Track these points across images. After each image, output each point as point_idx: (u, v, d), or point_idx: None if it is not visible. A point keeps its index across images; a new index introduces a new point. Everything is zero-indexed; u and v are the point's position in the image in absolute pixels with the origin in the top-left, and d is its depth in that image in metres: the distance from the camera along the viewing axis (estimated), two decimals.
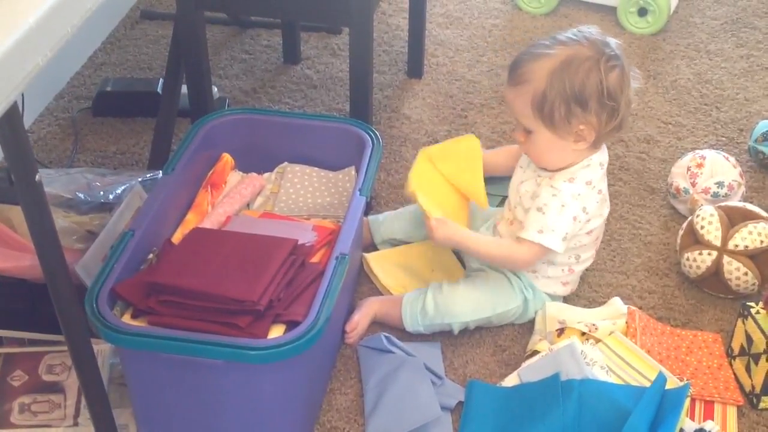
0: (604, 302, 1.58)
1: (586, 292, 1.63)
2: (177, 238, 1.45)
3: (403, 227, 1.68)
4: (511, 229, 1.53)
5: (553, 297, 1.56)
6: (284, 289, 1.27)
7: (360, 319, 1.50)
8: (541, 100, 1.38)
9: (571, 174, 1.44)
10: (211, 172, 1.60)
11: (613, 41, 1.41)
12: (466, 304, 1.49)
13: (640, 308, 1.57)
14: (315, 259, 1.40)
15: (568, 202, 1.42)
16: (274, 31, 2.31)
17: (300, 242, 1.37)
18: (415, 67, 2.19)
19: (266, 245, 1.31)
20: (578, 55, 1.37)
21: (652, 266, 1.70)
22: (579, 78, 1.36)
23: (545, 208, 1.43)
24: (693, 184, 1.75)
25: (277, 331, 1.23)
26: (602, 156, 1.48)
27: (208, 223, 1.49)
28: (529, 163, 1.52)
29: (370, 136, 1.57)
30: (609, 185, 1.87)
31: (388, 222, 1.69)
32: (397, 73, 2.22)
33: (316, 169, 1.63)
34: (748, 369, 1.44)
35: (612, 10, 2.40)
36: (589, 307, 1.58)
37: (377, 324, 1.54)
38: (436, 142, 1.98)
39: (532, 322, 1.55)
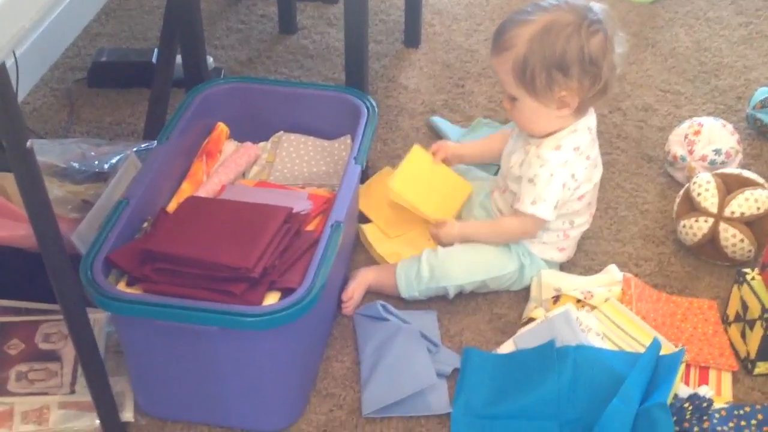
0: (600, 270, 1.58)
1: (582, 259, 1.63)
2: (172, 207, 1.45)
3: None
4: (504, 197, 1.54)
5: (550, 263, 1.56)
6: (279, 256, 1.27)
7: (355, 288, 1.51)
8: (522, 66, 1.37)
9: (558, 141, 1.44)
10: (206, 141, 1.60)
11: (597, 5, 1.40)
12: (462, 266, 1.49)
13: (636, 276, 1.57)
14: (310, 227, 1.40)
15: (557, 171, 1.43)
16: (270, 1, 2.29)
17: (295, 210, 1.36)
18: (412, 36, 2.18)
19: (261, 213, 1.31)
20: (559, 21, 1.36)
21: (649, 234, 1.70)
22: (559, 44, 1.35)
23: (536, 179, 1.43)
24: (690, 152, 1.74)
25: (272, 299, 1.23)
26: (590, 120, 1.47)
27: (203, 192, 1.49)
28: (519, 133, 1.52)
29: (366, 104, 1.56)
30: (606, 153, 1.88)
31: None
32: (393, 43, 2.21)
33: (311, 138, 1.63)
34: (743, 335, 1.44)
35: None
36: (585, 275, 1.57)
37: (373, 293, 1.54)
38: (434, 112, 1.98)
39: (528, 289, 1.55)
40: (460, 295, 1.54)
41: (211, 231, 1.27)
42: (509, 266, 1.52)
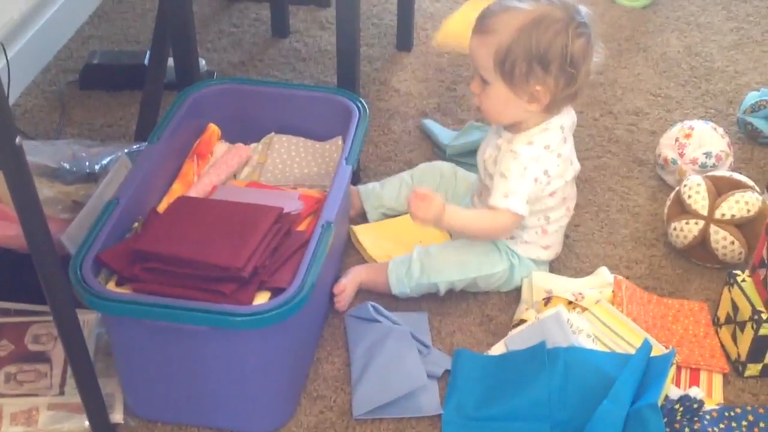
0: (592, 272, 1.58)
1: (574, 262, 1.64)
2: (162, 207, 1.44)
3: (393, 195, 1.67)
4: (482, 198, 1.54)
5: (538, 262, 1.56)
6: (269, 256, 1.26)
7: (347, 283, 1.50)
8: (504, 53, 1.37)
9: (529, 138, 1.44)
10: (197, 142, 1.60)
11: (584, 9, 1.40)
12: (453, 263, 1.49)
13: (627, 278, 1.57)
14: (301, 227, 1.40)
15: (529, 165, 1.42)
16: (263, 5, 2.29)
17: (286, 211, 1.36)
18: (404, 40, 2.18)
19: (251, 213, 1.31)
20: (549, 15, 1.36)
21: (640, 237, 1.70)
22: (546, 38, 1.35)
23: (507, 173, 1.43)
24: (681, 155, 1.74)
25: (262, 298, 1.22)
26: (563, 119, 1.47)
27: (194, 193, 1.49)
28: (492, 131, 1.52)
29: (357, 105, 1.56)
30: (597, 157, 1.89)
31: (378, 190, 1.68)
32: (386, 46, 2.21)
33: (303, 139, 1.63)
34: (734, 337, 1.45)
35: None
36: (576, 277, 1.58)
37: (365, 292, 1.54)
38: (426, 115, 1.98)
39: (519, 291, 1.55)
40: (451, 296, 1.54)
41: (202, 231, 1.27)
42: (499, 265, 1.52)
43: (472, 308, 1.54)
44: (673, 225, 1.62)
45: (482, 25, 1.40)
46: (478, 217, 1.50)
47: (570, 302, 1.47)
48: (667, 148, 1.78)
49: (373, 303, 1.48)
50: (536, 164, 1.43)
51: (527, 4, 1.38)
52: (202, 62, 1.98)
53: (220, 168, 1.57)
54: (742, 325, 1.42)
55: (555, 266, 1.62)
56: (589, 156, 1.89)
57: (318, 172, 1.57)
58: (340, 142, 1.60)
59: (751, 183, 1.61)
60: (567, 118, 1.48)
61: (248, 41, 2.21)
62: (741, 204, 1.56)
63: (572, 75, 1.38)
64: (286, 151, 1.60)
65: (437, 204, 1.42)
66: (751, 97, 1.92)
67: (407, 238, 1.62)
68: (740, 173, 1.70)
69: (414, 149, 1.88)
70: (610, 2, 2.38)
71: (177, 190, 1.49)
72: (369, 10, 2.33)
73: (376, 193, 1.68)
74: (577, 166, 1.54)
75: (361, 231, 1.63)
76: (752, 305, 1.40)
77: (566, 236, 1.69)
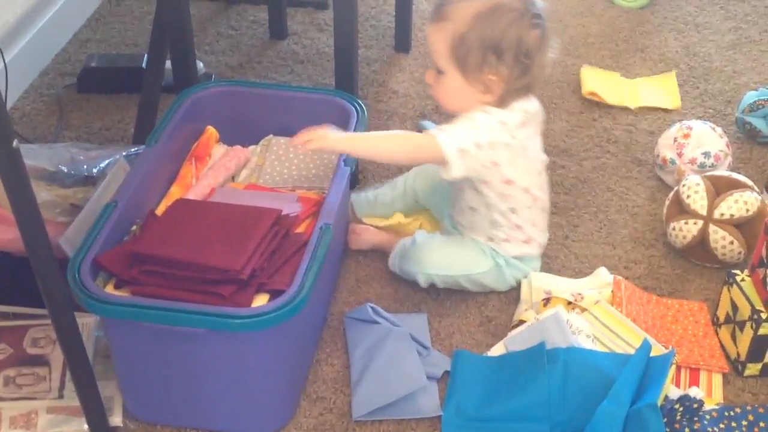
0: (591, 272, 1.58)
1: (573, 262, 1.63)
2: (160, 210, 1.44)
3: (387, 201, 1.67)
4: (455, 210, 1.56)
5: (526, 259, 1.55)
6: (268, 258, 1.26)
7: (364, 231, 1.60)
8: (459, 41, 1.36)
9: (488, 109, 1.41)
10: (195, 144, 1.59)
11: (540, 2, 1.40)
12: (435, 256, 1.49)
13: (627, 278, 1.57)
14: (300, 229, 1.39)
15: (479, 125, 1.39)
16: (260, 7, 2.29)
17: (284, 213, 1.36)
18: (402, 42, 2.18)
19: (250, 215, 1.31)
20: (505, 4, 1.36)
21: (639, 237, 1.70)
22: (501, 27, 1.35)
23: (455, 120, 1.41)
24: (680, 155, 1.74)
25: (260, 301, 1.22)
26: (527, 104, 1.44)
27: (192, 196, 1.49)
28: None
29: (355, 107, 1.56)
30: (596, 157, 1.88)
31: (370, 200, 1.68)
32: (384, 48, 2.21)
33: None
34: (733, 336, 1.44)
35: None
36: (576, 278, 1.58)
37: (364, 294, 1.54)
38: (424, 116, 1.98)
39: (518, 292, 1.55)
40: (450, 297, 1.54)
41: (200, 233, 1.27)
42: (482, 265, 1.51)
43: (471, 309, 1.53)
44: (672, 225, 1.62)
45: (439, 12, 1.39)
46: (397, 139, 1.45)
47: (569, 303, 1.47)
48: (665, 148, 1.78)
49: (372, 304, 1.48)
50: (486, 131, 1.39)
51: None
52: (200, 65, 1.97)
53: (218, 170, 1.57)
54: (741, 325, 1.42)
55: (554, 267, 1.62)
56: (588, 156, 1.89)
57: (316, 174, 1.57)
58: None
59: (749, 182, 1.61)
60: (531, 104, 1.46)
61: (246, 43, 2.21)
62: (740, 204, 1.56)
63: (526, 66, 1.37)
64: (285, 153, 1.60)
65: (332, 133, 1.39)
66: (750, 97, 1.91)
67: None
68: (739, 173, 1.70)
69: None
70: (608, 3, 2.38)
71: (175, 192, 1.49)
72: (367, 12, 2.33)
73: (369, 202, 1.68)
74: (543, 158, 1.52)
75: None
76: (751, 305, 1.40)
77: (565, 237, 1.69)
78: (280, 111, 1.61)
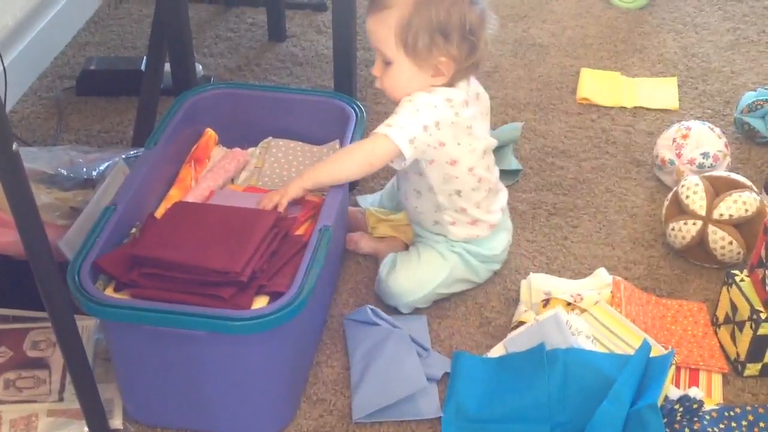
0: (590, 273, 1.58)
1: (572, 263, 1.64)
2: (160, 212, 1.44)
3: (394, 204, 1.68)
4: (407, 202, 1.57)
5: (481, 241, 1.53)
6: (267, 260, 1.26)
7: (360, 239, 1.61)
8: (406, 26, 1.36)
9: (431, 89, 1.41)
10: (194, 147, 1.59)
11: None
12: (400, 286, 1.49)
13: (626, 279, 1.57)
14: (299, 231, 1.39)
15: (422, 108, 1.39)
16: (259, 9, 2.30)
17: (283, 214, 1.36)
18: None
19: (249, 217, 1.31)
20: None
21: (638, 237, 1.70)
22: (444, 8, 1.36)
23: (400, 109, 1.41)
24: (678, 155, 1.75)
25: (260, 303, 1.22)
26: (471, 86, 1.45)
27: (192, 198, 1.49)
28: None
29: (354, 109, 1.56)
30: (595, 158, 1.89)
31: (378, 201, 1.70)
32: None
33: (300, 143, 1.63)
34: (733, 337, 1.45)
35: None
36: (575, 278, 1.58)
37: (363, 298, 1.54)
38: None
39: (516, 292, 1.55)
40: (450, 299, 1.54)
41: (199, 235, 1.27)
42: (444, 269, 1.51)
43: (470, 311, 1.53)
44: (671, 225, 1.62)
45: (379, 2, 1.39)
46: (346, 150, 1.44)
47: (569, 303, 1.47)
48: (664, 148, 1.78)
49: (371, 306, 1.48)
50: (430, 112, 1.39)
51: None
52: (199, 67, 1.98)
53: (218, 173, 1.57)
54: (741, 325, 1.42)
55: (553, 267, 1.62)
56: (587, 157, 1.89)
57: None
58: (337, 146, 1.60)
59: (748, 183, 1.61)
60: (474, 86, 1.46)
61: (245, 46, 2.21)
62: (739, 204, 1.56)
63: (473, 43, 1.39)
64: (284, 155, 1.60)
65: (295, 179, 1.41)
66: (748, 97, 1.92)
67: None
68: (738, 173, 1.70)
69: None
70: (606, 4, 2.39)
71: (174, 195, 1.49)
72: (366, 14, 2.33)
73: (374, 198, 1.69)
74: (489, 141, 1.50)
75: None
76: (751, 305, 1.40)
77: (564, 237, 1.69)
78: (279, 113, 1.61)
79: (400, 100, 1.43)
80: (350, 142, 1.49)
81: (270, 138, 1.65)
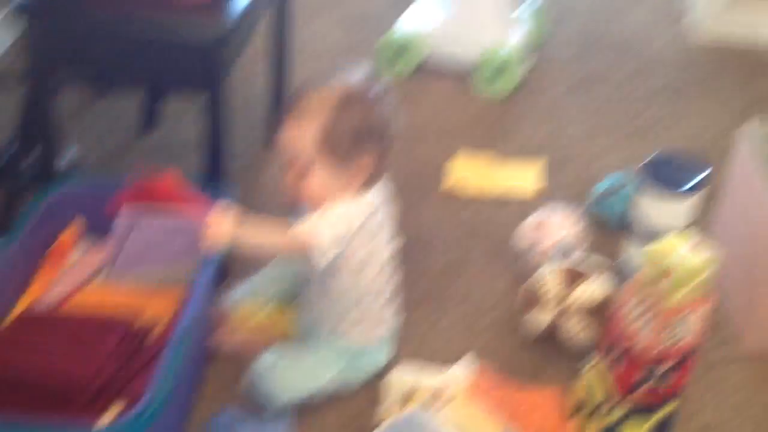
0: (453, 364, 1.62)
1: (437, 354, 1.67)
2: (17, 312, 1.40)
3: (263, 287, 1.69)
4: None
5: (374, 348, 1.58)
6: (122, 367, 1.25)
7: (228, 332, 1.57)
8: (328, 132, 1.41)
9: (343, 198, 1.47)
10: (55, 243, 1.57)
11: (382, 82, 1.49)
12: (282, 385, 1.50)
13: (487, 368, 1.62)
14: (158, 332, 1.38)
15: (340, 219, 1.44)
16: (134, 96, 2.29)
17: (137, 321, 1.35)
18: (276, 132, 2.21)
19: (101, 325, 1.29)
20: (360, 91, 1.44)
21: (500, 326, 1.75)
22: (362, 112, 1.43)
23: (317, 216, 1.45)
24: (537, 244, 1.83)
25: (113, 412, 1.20)
26: (380, 191, 1.53)
27: (52, 298, 1.46)
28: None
29: (224, 200, 1.56)
30: (458, 248, 1.95)
31: (245, 287, 1.69)
32: (257, 140, 2.24)
33: (167, 221, 1.59)
34: (587, 423, 1.50)
35: (468, 73, 2.50)
36: (440, 370, 1.61)
37: (228, 402, 1.53)
38: (296, 208, 2.00)
39: (379, 388, 1.57)
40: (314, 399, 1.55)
41: (48, 345, 1.24)
42: (328, 372, 1.53)
43: (335, 409, 1.54)
44: (528, 314, 1.69)
45: (297, 111, 1.44)
46: (270, 236, 1.46)
47: (431, 397, 1.50)
48: (523, 237, 1.86)
49: (233, 411, 1.46)
50: (345, 222, 1.44)
51: (334, 83, 1.45)
52: (68, 157, 1.95)
53: (81, 269, 1.55)
54: (594, 412, 1.49)
55: (420, 358, 1.65)
56: (453, 246, 1.95)
57: (182, 267, 1.55)
58: None
59: (599, 269, 1.70)
60: (382, 191, 1.53)
61: (118, 133, 2.20)
62: (590, 291, 1.64)
63: (387, 144, 1.47)
64: (147, 236, 1.57)
65: (233, 227, 1.41)
66: (604, 183, 2.03)
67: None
68: (591, 260, 1.79)
69: None
70: (470, 95, 2.49)
71: (33, 292, 1.46)
72: (241, 104, 2.35)
73: (244, 290, 1.68)
74: (392, 249, 1.57)
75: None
76: (602, 392, 1.46)
77: (430, 328, 1.73)
78: None
79: (317, 205, 1.47)
80: None
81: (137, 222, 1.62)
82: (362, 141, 1.43)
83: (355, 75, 1.48)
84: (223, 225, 1.40)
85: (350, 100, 1.43)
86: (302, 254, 1.45)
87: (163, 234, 1.58)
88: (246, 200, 1.99)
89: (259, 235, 1.44)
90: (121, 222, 1.40)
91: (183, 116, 2.28)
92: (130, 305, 1.44)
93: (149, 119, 2.21)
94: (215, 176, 1.70)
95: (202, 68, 1.59)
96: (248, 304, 1.67)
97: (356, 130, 1.42)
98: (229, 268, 1.79)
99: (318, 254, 1.43)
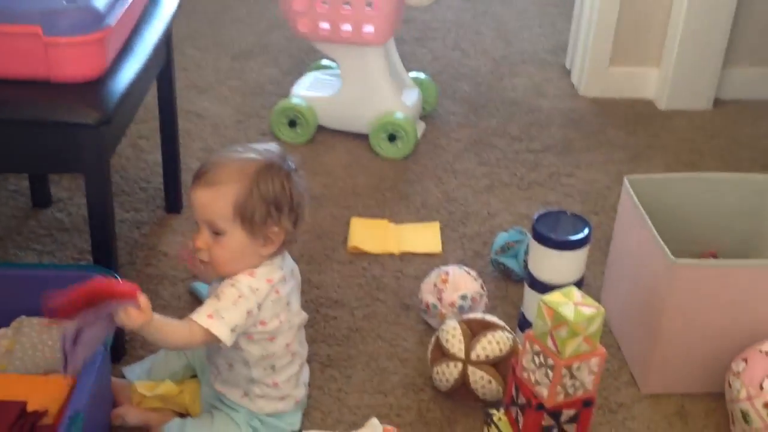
0: (362, 424, 1.61)
1: (346, 415, 1.65)
2: None
3: (160, 363, 1.65)
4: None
5: (283, 416, 1.56)
6: None
7: (125, 412, 1.54)
8: (244, 200, 1.42)
9: (252, 270, 1.47)
10: None
11: (293, 159, 1.52)
12: None
13: (398, 426, 1.61)
14: (48, 420, 1.32)
15: (246, 294, 1.44)
16: (22, 175, 2.23)
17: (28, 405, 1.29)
18: (173, 202, 2.19)
19: None
20: (275, 163, 1.46)
21: (409, 382, 1.75)
22: (278, 183, 1.45)
23: (221, 295, 1.44)
24: (440, 299, 1.84)
25: None
26: (285, 261, 1.53)
27: None
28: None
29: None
30: (366, 306, 1.95)
31: (147, 369, 1.65)
32: (154, 210, 2.21)
33: (56, 321, 1.56)
34: None
35: (364, 137, 2.54)
36: (348, 431, 1.59)
37: None
38: (196, 278, 1.97)
39: None
40: None
41: None
42: None
43: None
44: (435, 369, 1.69)
45: (212, 177, 1.44)
46: (176, 330, 1.43)
47: None
48: (427, 293, 1.87)
49: None
50: (253, 295, 1.44)
51: (250, 154, 1.47)
52: None
53: None
54: None
55: (328, 422, 1.63)
56: (359, 305, 1.95)
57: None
58: None
59: (501, 323, 1.72)
60: (286, 262, 1.54)
61: (6, 214, 2.13)
62: (493, 344, 1.66)
63: (299, 215, 1.48)
64: (38, 335, 1.53)
65: (148, 314, 1.37)
66: (501, 239, 2.07)
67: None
68: (496, 310, 1.81)
69: (184, 314, 1.85)
70: (372, 155, 2.53)
71: None
72: (136, 174, 2.33)
73: (143, 366, 1.64)
74: (303, 315, 1.58)
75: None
76: None
77: (339, 389, 1.72)
78: (32, 291, 1.54)
79: (225, 272, 1.46)
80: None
81: (23, 317, 1.57)
82: (276, 212, 1.44)
83: (270, 147, 1.50)
84: (141, 315, 1.35)
85: (266, 171, 1.44)
86: (200, 346, 1.47)
87: (57, 332, 1.51)
88: (146, 270, 1.97)
89: (164, 328, 1.41)
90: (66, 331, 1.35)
91: (75, 192, 2.23)
92: (21, 391, 1.37)
93: (40, 196, 2.15)
94: (105, 259, 1.65)
95: (84, 150, 1.55)
96: (149, 378, 1.63)
97: (271, 201, 1.44)
98: (126, 345, 1.75)
99: (215, 341, 1.42)
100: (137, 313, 1.34)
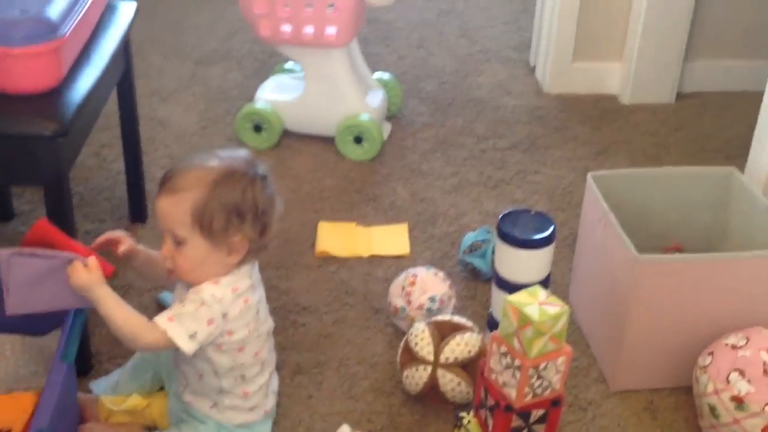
0: (334, 431, 1.60)
1: (317, 422, 1.65)
2: None
3: (127, 376, 1.63)
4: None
5: (253, 425, 1.55)
6: None
7: (90, 429, 1.50)
8: (202, 208, 1.41)
9: (217, 279, 1.46)
10: None
11: (262, 165, 1.50)
12: None
13: (369, 431, 1.61)
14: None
15: (208, 302, 1.42)
16: None
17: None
18: (137, 212, 2.17)
19: None
20: (236, 170, 1.44)
21: (379, 387, 1.75)
22: (239, 191, 1.43)
23: (186, 301, 1.43)
24: (408, 302, 1.84)
25: None
26: (251, 269, 1.52)
27: None
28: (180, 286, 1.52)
29: None
30: (335, 311, 1.94)
31: (114, 383, 1.64)
32: (119, 220, 2.18)
33: (18, 336, 1.54)
34: None
35: (330, 140, 2.53)
36: None
37: None
38: (164, 288, 1.95)
39: None
40: None
41: None
42: None
43: None
44: (405, 373, 1.68)
45: (173, 184, 1.43)
46: (133, 317, 1.41)
47: None
48: (395, 296, 1.87)
49: None
50: (216, 304, 1.43)
51: (212, 161, 1.45)
52: None
53: None
54: None
55: (298, 430, 1.62)
56: (328, 311, 1.94)
57: (36, 371, 1.49)
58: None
59: (469, 324, 1.72)
60: (255, 270, 1.53)
61: None
62: (462, 346, 1.66)
63: (265, 223, 1.46)
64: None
65: (95, 275, 1.38)
66: (468, 239, 2.07)
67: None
68: (466, 310, 1.81)
69: None
70: (339, 157, 2.51)
71: None
72: (101, 185, 2.30)
73: (109, 381, 1.62)
74: (270, 323, 1.56)
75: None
76: None
77: (309, 396, 1.71)
78: None
79: (190, 280, 1.45)
80: (69, 333, 1.43)
81: None
82: (237, 219, 1.42)
83: (237, 153, 1.48)
84: (87, 273, 1.36)
85: (226, 179, 1.42)
86: (150, 348, 1.45)
87: (47, 271, 1.44)
88: (112, 283, 1.94)
89: (120, 308, 1.40)
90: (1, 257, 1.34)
91: (38, 205, 2.20)
92: None
93: (2, 210, 2.12)
94: None
95: (42, 163, 1.52)
96: (117, 392, 1.61)
97: (230, 209, 1.41)
98: (93, 359, 1.72)
99: (171, 347, 1.41)
100: (83, 270, 1.34)
